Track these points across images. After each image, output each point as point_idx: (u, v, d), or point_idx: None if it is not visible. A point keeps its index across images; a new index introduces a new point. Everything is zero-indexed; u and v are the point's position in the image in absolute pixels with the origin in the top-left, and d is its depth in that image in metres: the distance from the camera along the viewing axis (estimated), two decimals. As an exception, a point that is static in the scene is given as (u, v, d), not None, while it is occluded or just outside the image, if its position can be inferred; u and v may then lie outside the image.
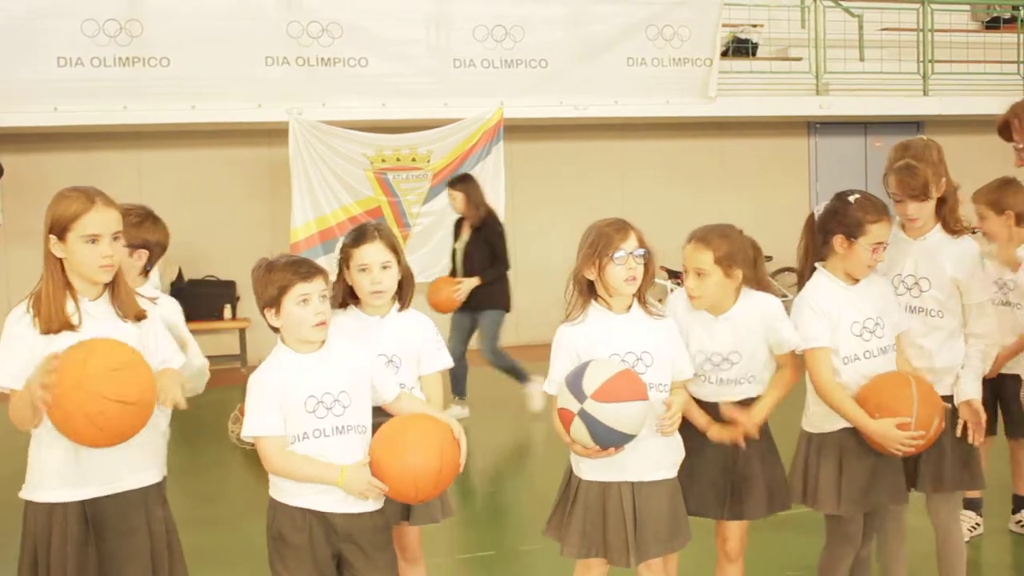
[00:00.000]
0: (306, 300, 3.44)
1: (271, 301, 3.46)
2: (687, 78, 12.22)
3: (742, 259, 3.91)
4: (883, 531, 4.33)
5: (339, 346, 3.57)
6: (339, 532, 3.49)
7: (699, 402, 4.01)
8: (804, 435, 4.16)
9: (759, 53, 13.78)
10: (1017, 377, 4.92)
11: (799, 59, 13.60)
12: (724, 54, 12.97)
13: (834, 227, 4.01)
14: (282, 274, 3.46)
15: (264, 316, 3.50)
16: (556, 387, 3.69)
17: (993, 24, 15.72)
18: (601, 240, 3.72)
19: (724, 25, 12.81)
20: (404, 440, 3.47)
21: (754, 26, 13.82)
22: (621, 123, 12.97)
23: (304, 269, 3.48)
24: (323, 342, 3.52)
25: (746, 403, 3.96)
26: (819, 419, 4.10)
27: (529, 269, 12.57)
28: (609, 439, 3.54)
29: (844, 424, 4.01)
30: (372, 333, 3.84)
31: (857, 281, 4.07)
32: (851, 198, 4.02)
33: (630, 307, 3.81)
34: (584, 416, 3.52)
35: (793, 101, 13.21)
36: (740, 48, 13.51)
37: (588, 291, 3.78)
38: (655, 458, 3.76)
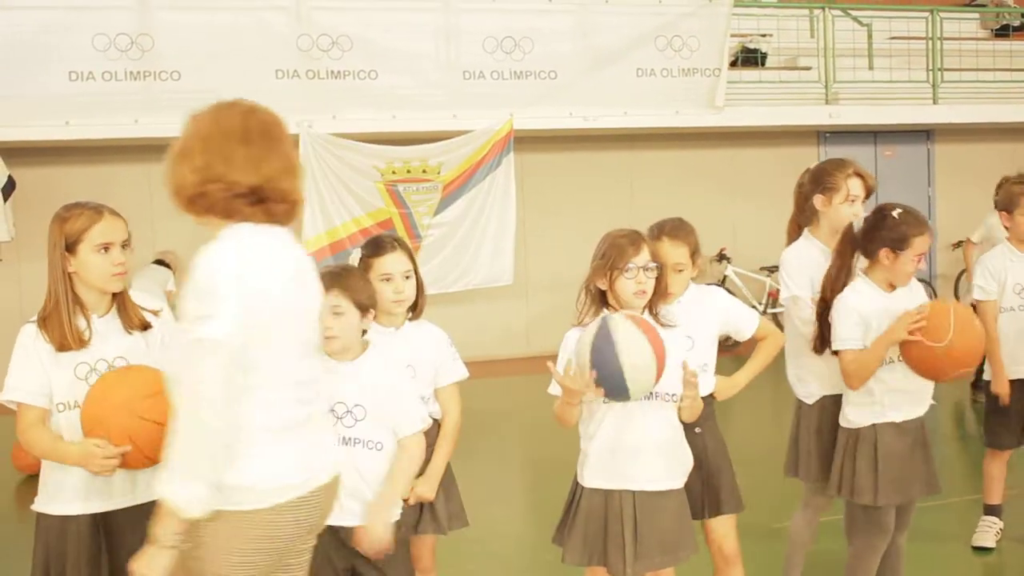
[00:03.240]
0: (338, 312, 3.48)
1: None
2: (696, 88, 12.22)
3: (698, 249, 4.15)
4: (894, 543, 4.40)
5: (373, 360, 3.60)
6: (349, 546, 3.50)
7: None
8: (842, 432, 4.34)
9: (768, 63, 13.79)
10: None
11: (808, 68, 13.60)
12: (733, 64, 12.98)
13: (879, 240, 4.20)
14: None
15: None
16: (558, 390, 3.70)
17: (1002, 32, 15.71)
18: (613, 251, 3.74)
19: (733, 35, 12.81)
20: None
21: (763, 36, 13.83)
22: (630, 134, 12.98)
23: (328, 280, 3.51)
24: (359, 352, 3.58)
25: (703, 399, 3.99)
26: (854, 415, 4.28)
27: (540, 279, 12.59)
28: (609, 367, 3.39)
29: (876, 420, 4.22)
30: (388, 344, 3.86)
31: (895, 288, 4.27)
32: (895, 213, 4.21)
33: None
34: (602, 327, 3.45)
35: (802, 110, 13.21)
36: (749, 58, 13.52)
37: (599, 300, 3.80)
38: (659, 467, 3.75)
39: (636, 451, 3.67)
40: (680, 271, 4.09)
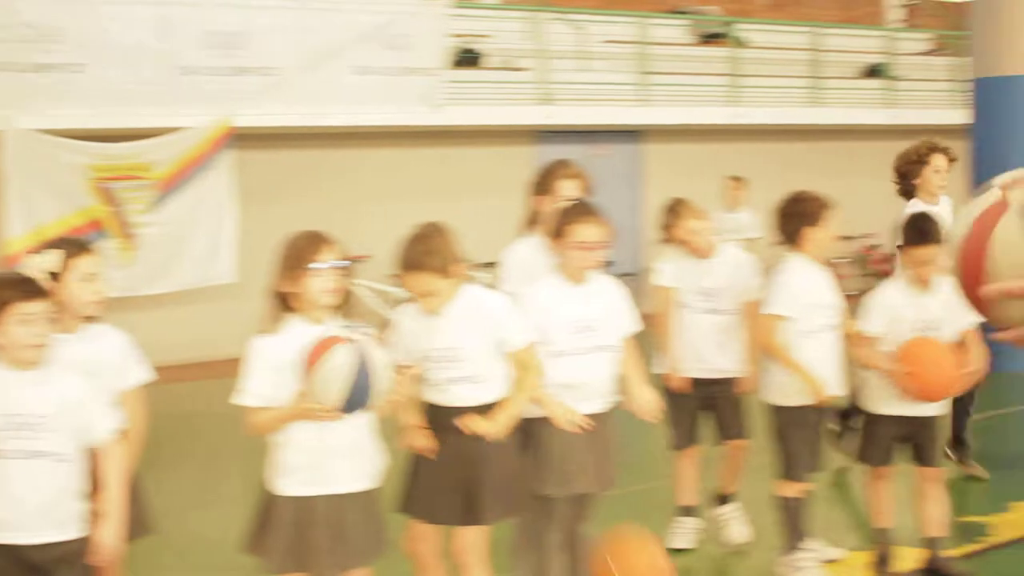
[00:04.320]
0: (26, 320, 3.40)
1: None
2: (415, 87, 12.36)
3: (452, 257, 4.01)
4: None
5: (55, 368, 3.54)
6: (27, 563, 3.45)
7: (432, 406, 4.10)
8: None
9: (487, 63, 14.08)
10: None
11: (526, 69, 13.98)
12: (453, 64, 13.21)
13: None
14: (3, 291, 3.42)
15: None
16: (254, 398, 3.73)
17: (707, 39, 16.63)
18: (297, 253, 3.75)
19: (452, 35, 13.03)
20: None
21: (481, 36, 14.12)
22: (354, 132, 12.98)
23: (28, 288, 3.43)
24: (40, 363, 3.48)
25: (483, 409, 4.06)
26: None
27: (263, 279, 12.45)
28: (363, 392, 3.52)
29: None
30: (68, 350, 3.77)
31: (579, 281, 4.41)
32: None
33: (326, 319, 3.80)
34: (360, 356, 3.54)
35: (519, 110, 13.54)
36: (467, 58, 13.77)
37: (285, 305, 3.79)
38: (353, 469, 3.80)
39: (332, 454, 3.72)
40: (431, 295, 3.99)
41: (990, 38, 9.85)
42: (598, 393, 4.39)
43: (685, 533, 5.57)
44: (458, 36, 13.59)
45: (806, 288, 4.94)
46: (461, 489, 4.05)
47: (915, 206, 5.94)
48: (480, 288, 4.12)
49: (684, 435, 5.54)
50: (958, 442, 6.50)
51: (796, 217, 4.98)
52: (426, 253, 3.96)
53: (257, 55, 11.55)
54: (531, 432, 4.32)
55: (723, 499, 5.64)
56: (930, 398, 4.87)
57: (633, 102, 14.44)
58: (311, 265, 3.71)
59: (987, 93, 9.93)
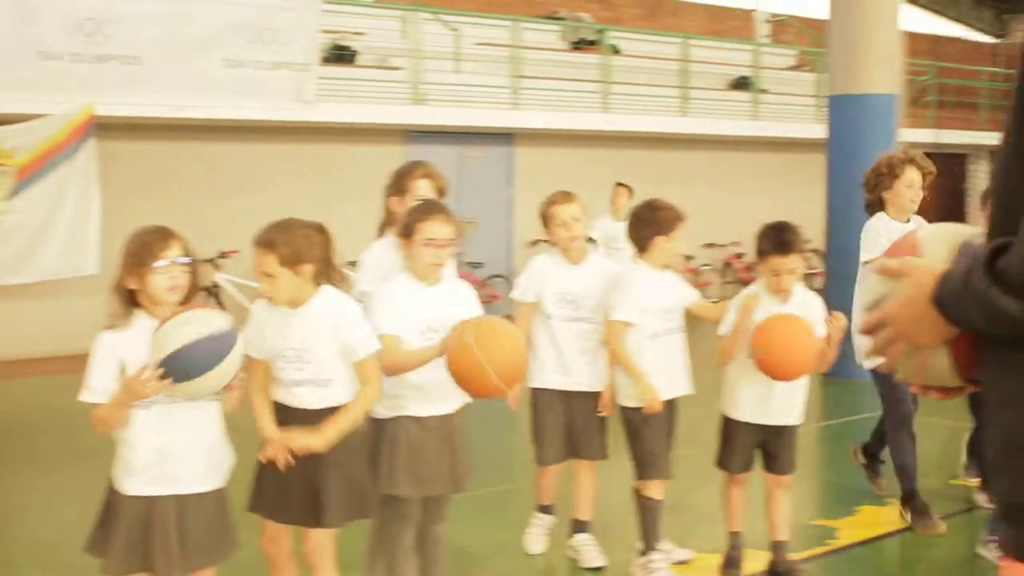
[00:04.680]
0: None
1: None
2: (286, 82, 12.25)
3: (309, 253, 3.94)
4: None
5: None
6: None
7: (279, 405, 4.05)
8: (370, 424, 4.36)
9: (360, 61, 14.04)
10: None
11: (399, 68, 13.98)
12: (325, 60, 13.13)
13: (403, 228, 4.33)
14: None
15: None
16: (98, 395, 3.66)
17: (579, 45, 16.83)
18: (142, 248, 3.67)
19: (324, 31, 12.95)
20: None
21: (355, 34, 14.07)
22: (222, 125, 12.81)
23: None
24: None
25: (326, 413, 3.99)
26: (381, 409, 4.30)
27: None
28: (195, 357, 3.50)
29: (399, 412, 4.31)
30: None
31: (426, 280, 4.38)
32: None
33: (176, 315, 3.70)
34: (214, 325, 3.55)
35: (391, 109, 13.56)
36: (341, 55, 13.71)
37: (130, 300, 3.72)
38: (201, 468, 3.76)
39: (178, 453, 3.67)
40: (270, 278, 3.91)
41: (844, 57, 10.22)
42: (449, 394, 4.36)
43: (539, 534, 5.57)
44: (331, 32, 13.53)
45: (649, 293, 5.00)
46: (306, 490, 4.02)
47: (879, 220, 5.74)
48: (336, 292, 4.08)
49: (551, 451, 5.35)
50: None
51: (649, 225, 5.04)
52: (281, 237, 3.91)
53: (123, 43, 11.31)
54: (383, 433, 4.33)
55: (578, 526, 5.45)
56: (786, 376, 4.82)
57: (505, 105, 14.55)
58: (154, 262, 3.65)
59: (841, 110, 10.29)
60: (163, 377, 3.47)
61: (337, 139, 13.90)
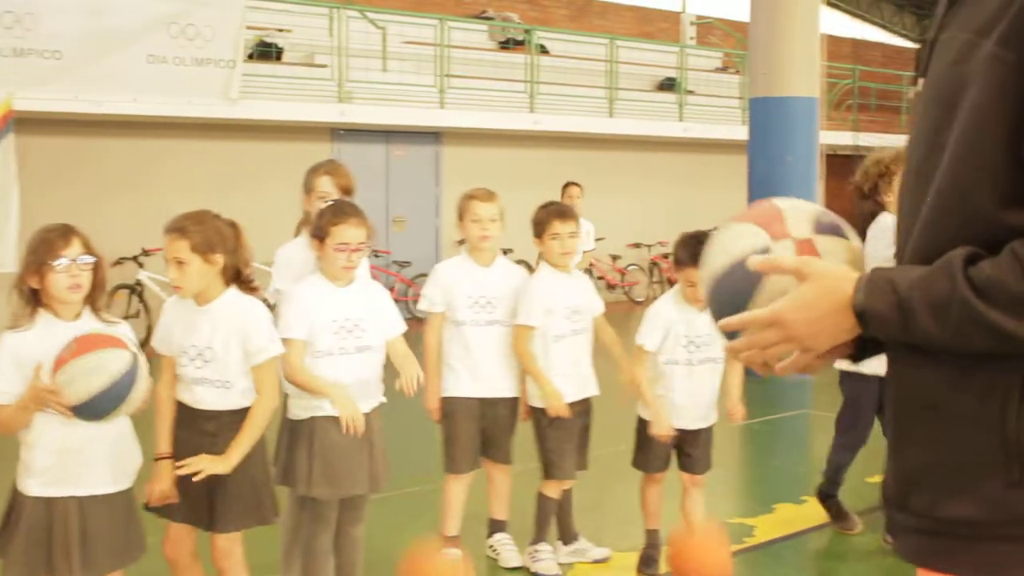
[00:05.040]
0: None
1: None
2: (210, 79, 12.13)
3: (221, 245, 3.90)
4: None
5: None
6: None
7: (181, 404, 3.99)
8: (285, 424, 4.37)
9: (285, 58, 13.94)
10: None
11: (324, 66, 13.90)
12: (250, 57, 13.01)
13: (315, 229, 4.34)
14: None
15: None
16: (5, 396, 3.60)
17: (507, 45, 16.86)
18: (42, 246, 3.59)
19: (249, 28, 12.85)
20: None
21: (280, 31, 13.96)
22: (144, 121, 12.64)
23: None
24: None
25: (225, 415, 3.95)
26: (296, 409, 4.31)
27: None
28: (106, 401, 3.42)
29: (315, 413, 4.28)
30: None
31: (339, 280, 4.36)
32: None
33: (79, 314, 3.67)
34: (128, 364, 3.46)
35: (316, 107, 13.48)
36: (266, 52, 13.60)
37: (33, 300, 3.64)
38: (106, 471, 3.70)
39: (79, 454, 3.61)
40: (179, 264, 3.84)
41: (765, 60, 10.31)
42: (364, 394, 4.34)
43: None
44: (257, 29, 13.42)
45: (551, 294, 5.03)
46: (205, 493, 3.94)
47: (884, 221, 5.39)
48: (242, 295, 4.01)
49: (465, 461, 5.23)
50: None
51: (534, 227, 5.14)
52: (193, 225, 3.87)
53: (42, 37, 11.14)
54: (299, 433, 4.30)
55: (496, 526, 5.40)
56: None
57: (432, 104, 14.53)
58: (53, 261, 3.57)
59: (762, 112, 10.39)
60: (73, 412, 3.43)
61: (263, 137, 13.78)
